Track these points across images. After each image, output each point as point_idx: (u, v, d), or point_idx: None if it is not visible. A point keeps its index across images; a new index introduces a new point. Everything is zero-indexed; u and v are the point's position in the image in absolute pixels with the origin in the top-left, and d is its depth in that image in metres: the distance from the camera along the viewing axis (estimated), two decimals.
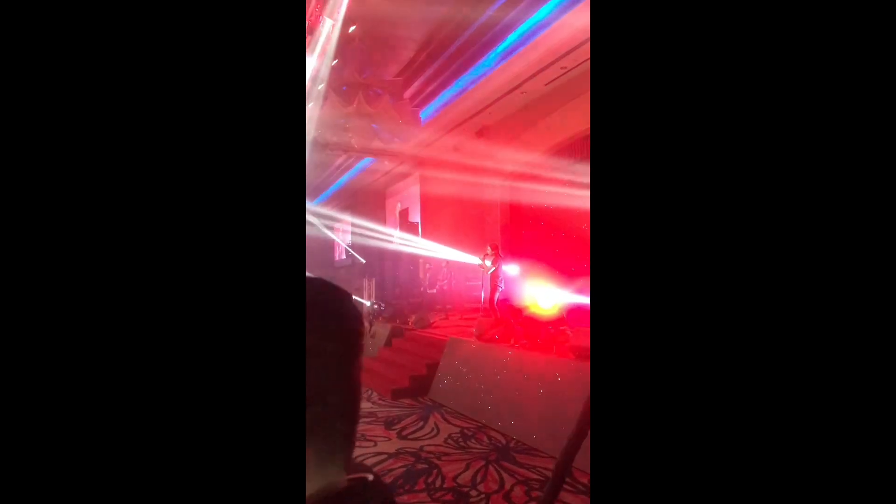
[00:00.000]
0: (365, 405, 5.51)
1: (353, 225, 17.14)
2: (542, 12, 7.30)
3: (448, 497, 3.10)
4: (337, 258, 18.20)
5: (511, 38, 8.05)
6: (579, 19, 7.02)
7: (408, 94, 9.83)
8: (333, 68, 7.35)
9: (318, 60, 6.61)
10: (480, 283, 8.53)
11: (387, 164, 13.56)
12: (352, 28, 6.03)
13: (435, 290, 9.19)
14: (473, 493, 3.16)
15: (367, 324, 6.64)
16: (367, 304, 10.32)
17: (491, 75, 8.92)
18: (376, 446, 4.08)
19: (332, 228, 18.50)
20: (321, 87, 7.34)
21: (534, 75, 8.64)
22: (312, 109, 7.85)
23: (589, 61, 7.93)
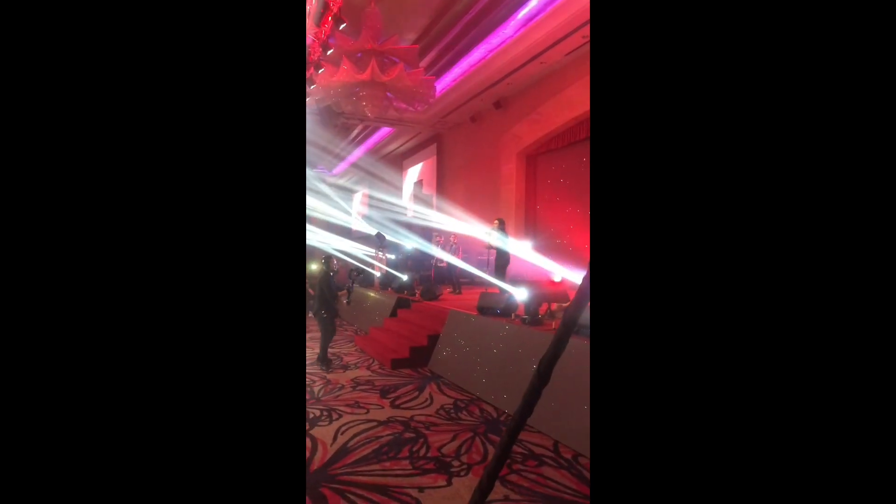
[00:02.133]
0: (363, 373, 5.56)
1: (369, 196, 17.15)
2: None
3: (429, 466, 3.12)
4: (354, 230, 18.31)
5: (531, 4, 7.73)
6: None
7: (424, 62, 9.61)
8: (344, 33, 7.19)
9: (321, 23, 6.45)
10: (487, 257, 8.45)
11: (403, 135, 13.42)
12: None
13: (444, 264, 9.13)
14: (456, 463, 3.16)
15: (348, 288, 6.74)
16: (377, 274, 10.36)
17: (509, 44, 8.63)
18: (368, 413, 4.12)
19: (350, 199, 18.56)
20: (330, 52, 7.20)
21: (553, 45, 8.31)
22: (324, 76, 7.73)
23: None
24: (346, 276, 6.24)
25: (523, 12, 7.92)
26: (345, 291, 5.95)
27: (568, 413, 3.51)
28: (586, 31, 7.76)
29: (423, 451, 3.35)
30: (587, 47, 8.25)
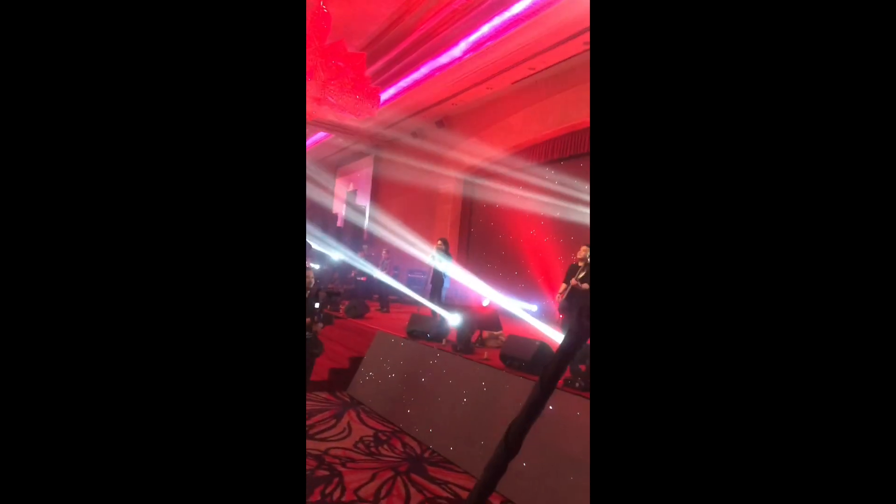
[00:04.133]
0: None
1: None
2: (516, 7, 7.02)
3: None
4: None
5: (482, 30, 7.75)
6: (552, 20, 6.83)
7: (369, 71, 9.34)
8: None
9: None
10: (425, 276, 8.22)
11: (340, 142, 12.96)
12: None
13: (364, 279, 8.73)
14: None
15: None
16: None
17: (458, 65, 8.61)
18: None
19: None
20: None
21: (501, 72, 8.41)
22: None
23: (557, 65, 7.80)
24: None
25: (474, 36, 7.93)
26: (308, 320, 4.13)
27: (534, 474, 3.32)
28: (534, 62, 7.92)
29: (337, 494, 2.99)
30: (533, 79, 8.41)
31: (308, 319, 4.07)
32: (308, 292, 4.17)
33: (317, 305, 4.20)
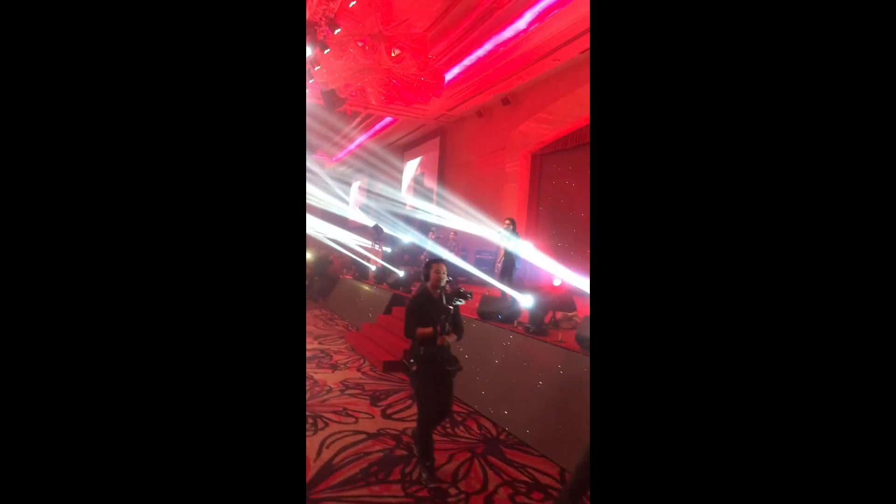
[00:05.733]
0: (353, 375, 5.25)
1: (368, 186, 16.79)
2: None
3: (423, 493, 2.81)
4: (351, 220, 17.95)
5: None
6: None
7: (433, 51, 9.25)
8: (352, 12, 6.83)
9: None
10: (494, 257, 8.13)
11: (406, 125, 13.04)
12: None
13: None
14: (453, 490, 2.86)
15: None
16: (373, 268, 10.04)
17: (523, 38, 8.30)
18: (356, 423, 3.81)
19: (348, 188, 18.21)
20: (337, 31, 6.84)
21: (569, 41, 8.01)
22: (329, 57, 7.38)
23: None
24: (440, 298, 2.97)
25: (539, 6, 7.58)
26: (430, 330, 2.96)
27: (576, 437, 3.22)
28: None
29: (416, 474, 3.04)
30: None
31: (430, 329, 2.94)
32: (437, 291, 3.02)
33: (450, 309, 3.03)
